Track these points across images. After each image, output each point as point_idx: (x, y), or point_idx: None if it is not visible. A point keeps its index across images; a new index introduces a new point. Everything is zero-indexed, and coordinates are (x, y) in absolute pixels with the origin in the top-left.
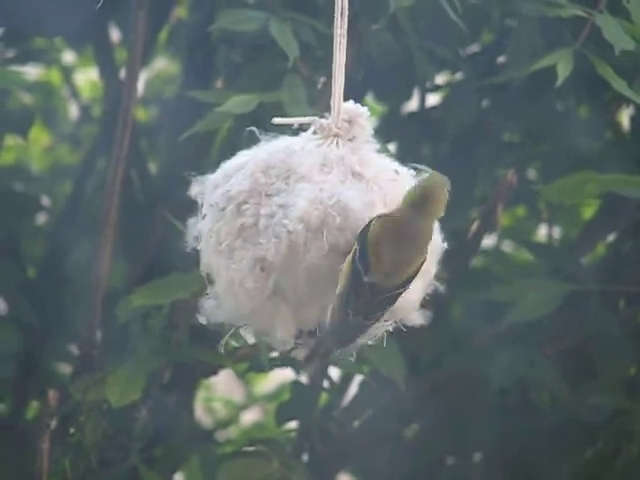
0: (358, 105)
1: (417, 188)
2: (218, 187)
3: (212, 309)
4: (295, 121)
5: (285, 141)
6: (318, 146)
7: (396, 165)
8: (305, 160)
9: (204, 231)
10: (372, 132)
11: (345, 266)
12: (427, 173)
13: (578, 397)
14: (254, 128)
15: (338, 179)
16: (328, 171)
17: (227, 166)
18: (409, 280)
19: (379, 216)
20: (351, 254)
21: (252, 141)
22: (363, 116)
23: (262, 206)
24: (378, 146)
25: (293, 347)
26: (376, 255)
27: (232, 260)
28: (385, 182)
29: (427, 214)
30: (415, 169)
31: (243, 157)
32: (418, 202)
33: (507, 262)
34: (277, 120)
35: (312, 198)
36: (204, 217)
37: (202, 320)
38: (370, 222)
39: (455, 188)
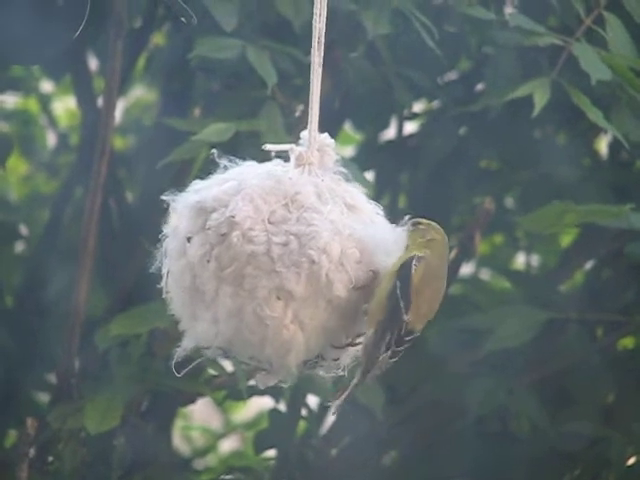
0: (326, 135)
1: (426, 233)
2: (212, 211)
3: (205, 335)
4: (283, 148)
5: (260, 167)
6: (300, 174)
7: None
8: (299, 189)
9: (193, 255)
10: (338, 162)
11: (377, 304)
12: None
13: (556, 425)
14: (232, 157)
15: (338, 210)
16: (325, 201)
17: (216, 190)
18: (429, 321)
19: (419, 258)
20: (388, 291)
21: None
22: (331, 146)
23: (272, 234)
24: (349, 176)
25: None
26: (417, 296)
27: (241, 287)
28: (375, 215)
29: (443, 257)
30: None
31: (228, 181)
32: (435, 247)
33: (485, 290)
34: (269, 146)
35: (330, 229)
36: (189, 240)
37: (188, 344)
38: (410, 261)
39: (433, 216)
